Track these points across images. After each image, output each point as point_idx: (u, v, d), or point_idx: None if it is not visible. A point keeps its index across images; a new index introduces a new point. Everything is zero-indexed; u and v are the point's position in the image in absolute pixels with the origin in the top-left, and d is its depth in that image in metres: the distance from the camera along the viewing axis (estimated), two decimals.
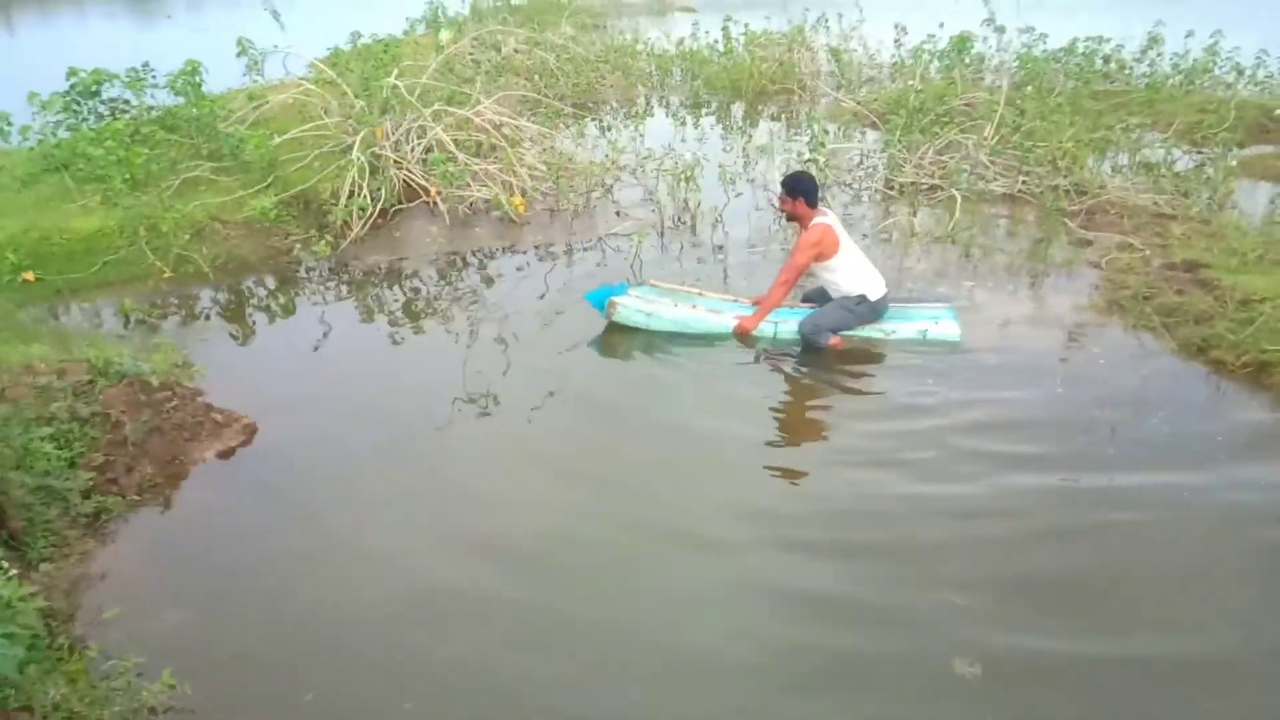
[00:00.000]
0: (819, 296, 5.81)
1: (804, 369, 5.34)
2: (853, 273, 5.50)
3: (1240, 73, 11.22)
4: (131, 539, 3.86)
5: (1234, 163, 7.88)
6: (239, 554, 3.86)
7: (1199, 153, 8.99)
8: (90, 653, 3.05)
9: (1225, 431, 4.42)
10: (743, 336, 5.59)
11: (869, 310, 5.50)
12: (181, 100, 8.76)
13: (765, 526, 3.96)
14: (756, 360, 5.46)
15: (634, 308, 5.72)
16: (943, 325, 5.50)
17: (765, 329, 5.61)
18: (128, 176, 7.07)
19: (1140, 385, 4.85)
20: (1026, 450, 4.37)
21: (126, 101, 8.90)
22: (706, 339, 5.65)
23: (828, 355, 5.42)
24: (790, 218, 5.69)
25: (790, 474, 4.41)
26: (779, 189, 5.67)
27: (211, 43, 11.68)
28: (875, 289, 5.50)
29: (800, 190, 5.51)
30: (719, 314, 5.71)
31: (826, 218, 5.53)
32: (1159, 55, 12.22)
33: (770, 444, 4.65)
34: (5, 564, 2.87)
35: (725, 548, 3.82)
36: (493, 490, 4.27)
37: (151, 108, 8.79)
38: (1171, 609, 3.40)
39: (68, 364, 4.57)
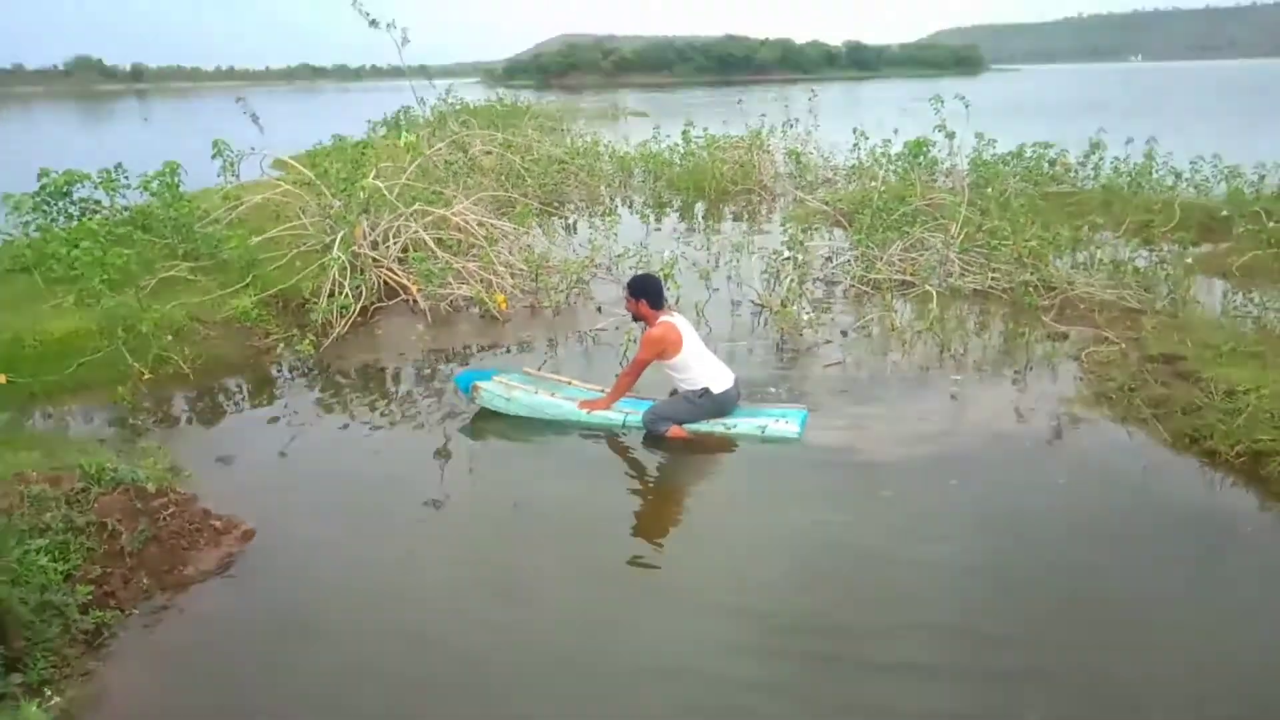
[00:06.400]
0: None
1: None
2: (697, 369, 5.67)
3: (1178, 176, 11.89)
4: (134, 656, 3.63)
5: (1189, 260, 8.24)
6: (249, 670, 3.65)
7: (1150, 250, 9.44)
8: None
9: (1250, 519, 4.53)
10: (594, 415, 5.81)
11: (711, 403, 5.66)
12: (153, 200, 8.72)
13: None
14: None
15: (495, 392, 5.97)
16: (784, 424, 5.60)
17: (615, 418, 5.79)
18: (105, 277, 6.93)
19: (1142, 476, 4.95)
20: (1044, 550, 4.39)
21: (97, 202, 8.83)
22: (567, 427, 5.83)
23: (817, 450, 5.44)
24: (636, 317, 5.88)
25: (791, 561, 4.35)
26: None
27: (168, 142, 11.70)
28: (719, 384, 5.67)
29: (643, 292, 5.72)
30: (573, 401, 5.90)
31: (672, 318, 5.72)
32: (1100, 160, 12.94)
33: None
34: (16, 690, 2.68)
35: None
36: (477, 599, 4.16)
37: (125, 208, 8.71)
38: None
39: (60, 471, 4.38)
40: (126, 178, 8.81)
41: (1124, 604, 3.92)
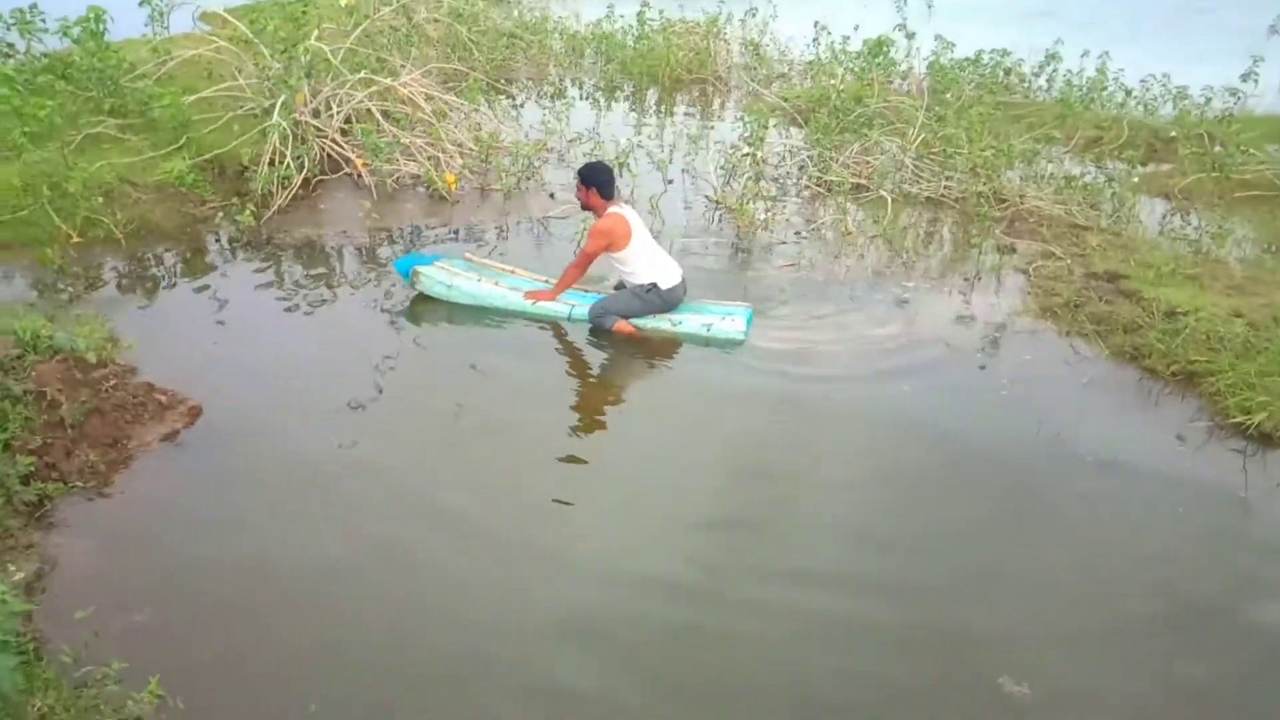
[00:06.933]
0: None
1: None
2: (645, 263, 5.63)
3: (1128, 94, 11.93)
4: (80, 530, 3.55)
5: (1136, 179, 8.38)
6: (199, 547, 3.60)
7: (1098, 167, 9.55)
8: (64, 657, 2.77)
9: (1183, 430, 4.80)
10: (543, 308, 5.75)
11: (658, 298, 5.63)
12: (74, 47, 8.06)
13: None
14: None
15: (436, 279, 5.82)
16: (730, 322, 5.60)
17: (561, 310, 5.73)
18: (26, 129, 6.43)
19: (1083, 391, 5.12)
20: (995, 450, 4.57)
21: (10, 45, 8.14)
22: (510, 316, 5.76)
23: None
24: (585, 206, 5.78)
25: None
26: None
27: None
28: (667, 279, 5.64)
29: (593, 181, 5.61)
30: (517, 291, 5.80)
31: (621, 209, 5.64)
32: (1055, 72, 12.89)
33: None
34: None
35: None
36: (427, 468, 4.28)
37: (43, 54, 8.06)
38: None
39: None
40: (44, 20, 8.11)
41: (1055, 509, 4.13)
